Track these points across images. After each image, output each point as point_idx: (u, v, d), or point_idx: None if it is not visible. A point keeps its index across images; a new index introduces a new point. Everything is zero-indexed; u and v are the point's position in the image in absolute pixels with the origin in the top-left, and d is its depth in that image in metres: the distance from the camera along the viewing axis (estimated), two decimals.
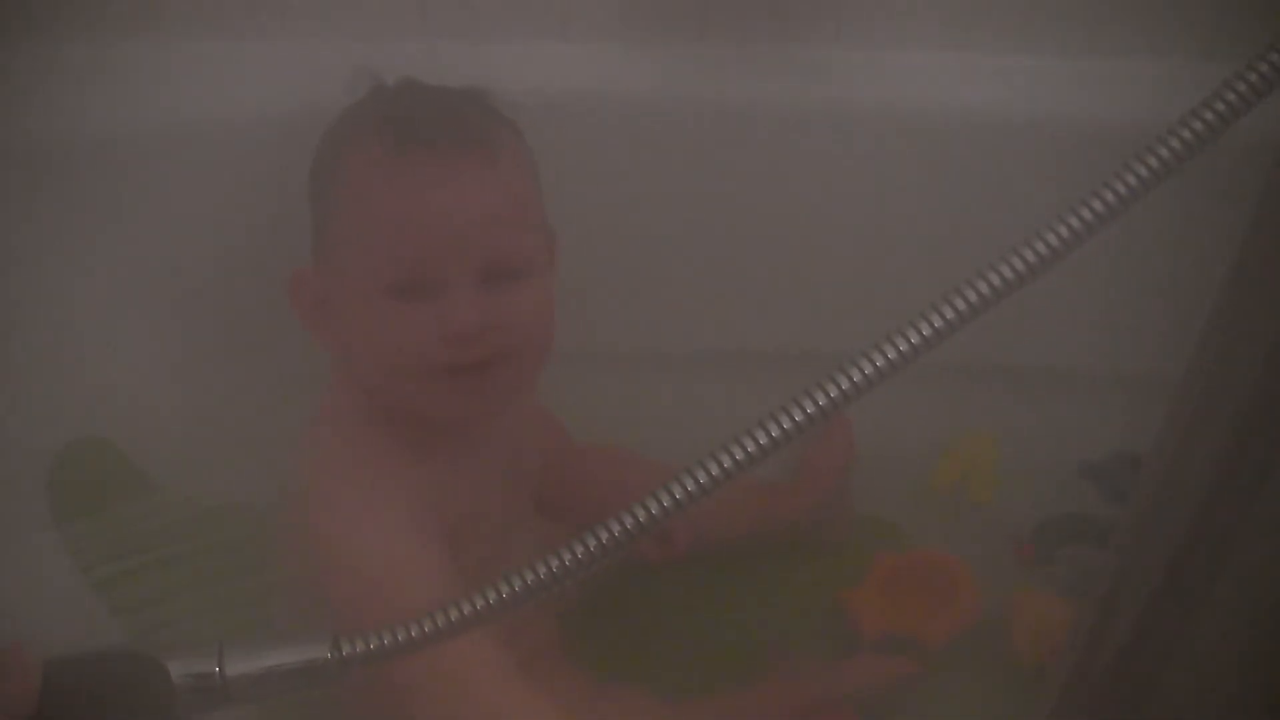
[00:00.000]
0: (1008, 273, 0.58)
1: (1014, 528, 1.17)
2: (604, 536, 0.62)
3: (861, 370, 0.60)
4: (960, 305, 0.59)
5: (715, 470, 0.61)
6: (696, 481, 0.61)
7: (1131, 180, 0.57)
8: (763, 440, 0.61)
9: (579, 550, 0.62)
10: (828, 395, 0.61)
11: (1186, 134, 0.57)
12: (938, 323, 0.59)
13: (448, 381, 0.87)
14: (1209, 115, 0.57)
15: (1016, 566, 1.15)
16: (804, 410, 0.61)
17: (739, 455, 0.61)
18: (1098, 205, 0.58)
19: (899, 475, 1.21)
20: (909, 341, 0.60)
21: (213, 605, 1.04)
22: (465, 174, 0.86)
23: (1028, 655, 1.07)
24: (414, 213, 0.85)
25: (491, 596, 0.63)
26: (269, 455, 1.07)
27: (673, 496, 0.61)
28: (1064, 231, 0.58)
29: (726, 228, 1.20)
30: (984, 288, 0.59)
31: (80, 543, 1.05)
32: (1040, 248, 0.58)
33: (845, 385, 0.60)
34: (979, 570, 1.11)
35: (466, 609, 0.63)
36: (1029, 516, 1.17)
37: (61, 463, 1.08)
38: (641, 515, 0.62)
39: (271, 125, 1.10)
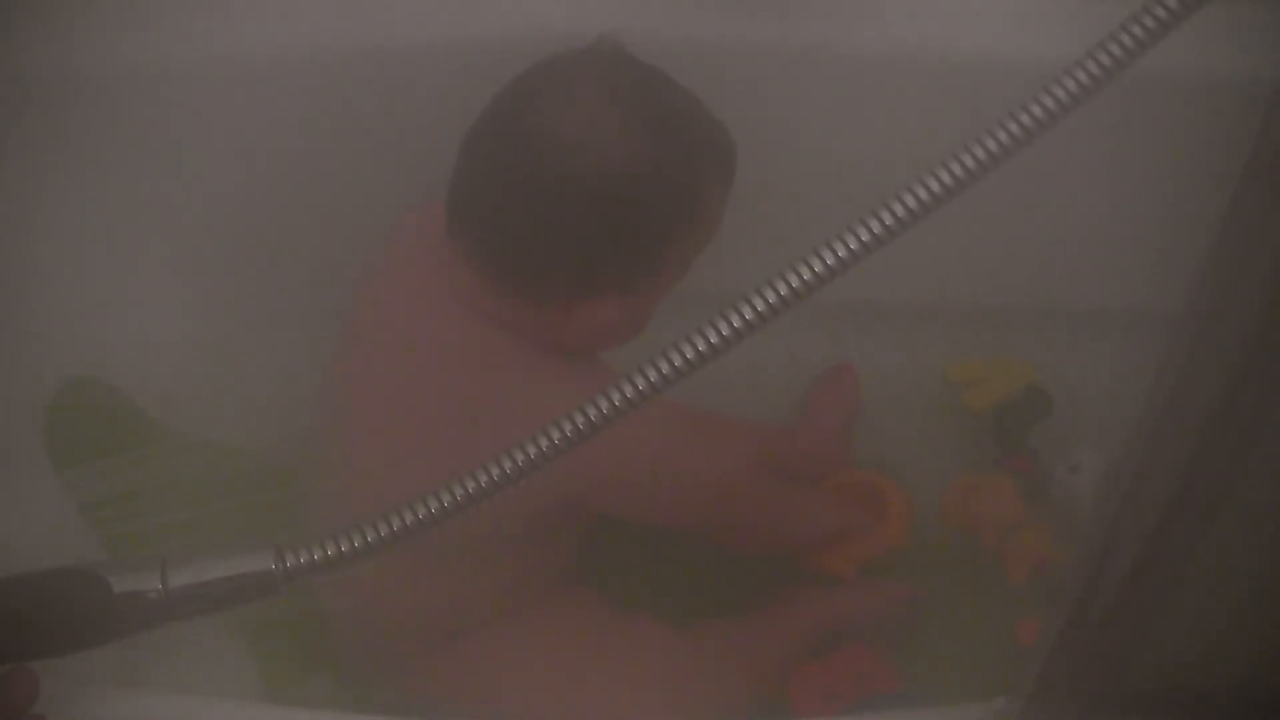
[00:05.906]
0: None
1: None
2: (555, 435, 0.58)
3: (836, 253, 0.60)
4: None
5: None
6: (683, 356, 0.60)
7: (1033, 115, 0.58)
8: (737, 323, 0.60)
9: (531, 450, 0.59)
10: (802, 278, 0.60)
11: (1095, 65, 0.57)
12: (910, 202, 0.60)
13: None
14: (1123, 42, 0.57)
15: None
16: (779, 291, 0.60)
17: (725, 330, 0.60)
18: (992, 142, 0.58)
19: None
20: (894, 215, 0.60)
21: (210, 544, 1.02)
22: None
23: (951, 519, 1.11)
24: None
25: (434, 504, 0.59)
26: (273, 396, 1.08)
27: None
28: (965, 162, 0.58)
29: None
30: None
31: (79, 481, 1.04)
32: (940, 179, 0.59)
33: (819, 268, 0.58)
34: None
35: (409, 517, 0.60)
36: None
37: (59, 402, 1.05)
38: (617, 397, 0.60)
39: (285, 63, 1.08)
